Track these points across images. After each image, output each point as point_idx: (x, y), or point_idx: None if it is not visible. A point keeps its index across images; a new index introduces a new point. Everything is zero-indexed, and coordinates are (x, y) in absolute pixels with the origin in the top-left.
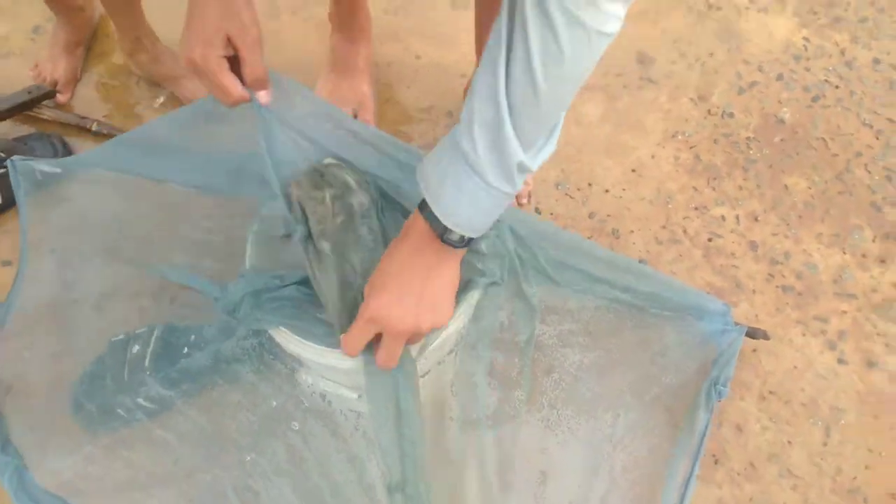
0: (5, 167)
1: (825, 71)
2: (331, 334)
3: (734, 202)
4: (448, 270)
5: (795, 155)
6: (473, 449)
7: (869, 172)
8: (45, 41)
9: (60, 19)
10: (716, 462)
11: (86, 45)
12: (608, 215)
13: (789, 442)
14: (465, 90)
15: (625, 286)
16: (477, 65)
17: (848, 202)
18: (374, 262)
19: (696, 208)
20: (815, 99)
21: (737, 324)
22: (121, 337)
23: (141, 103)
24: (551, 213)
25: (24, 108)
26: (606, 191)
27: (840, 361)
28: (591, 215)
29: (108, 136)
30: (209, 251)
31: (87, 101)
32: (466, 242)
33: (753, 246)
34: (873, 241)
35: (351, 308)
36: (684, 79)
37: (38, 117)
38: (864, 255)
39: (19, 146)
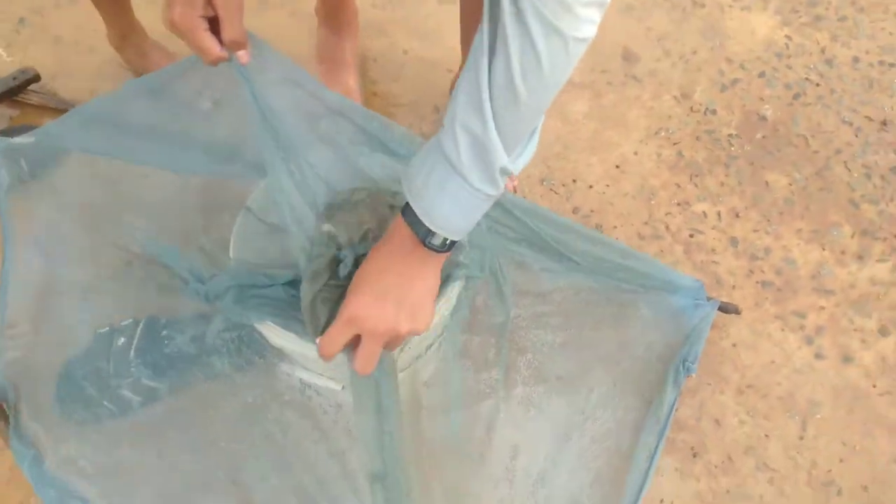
0: None
1: (806, 69)
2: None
3: (716, 198)
4: (430, 275)
5: (776, 152)
6: (448, 429)
7: (848, 170)
8: (30, 33)
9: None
10: (694, 455)
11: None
12: (592, 211)
13: (766, 435)
14: (452, 85)
15: (598, 258)
16: (463, 60)
17: (827, 199)
18: None
19: (678, 204)
20: (796, 96)
21: (709, 298)
22: (106, 329)
23: None
24: None
25: (9, 94)
26: (590, 187)
27: (817, 356)
28: (574, 210)
29: None
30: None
31: (79, 92)
32: (448, 247)
33: (734, 242)
34: (852, 237)
35: None
36: (668, 76)
37: (25, 102)
38: (842, 252)
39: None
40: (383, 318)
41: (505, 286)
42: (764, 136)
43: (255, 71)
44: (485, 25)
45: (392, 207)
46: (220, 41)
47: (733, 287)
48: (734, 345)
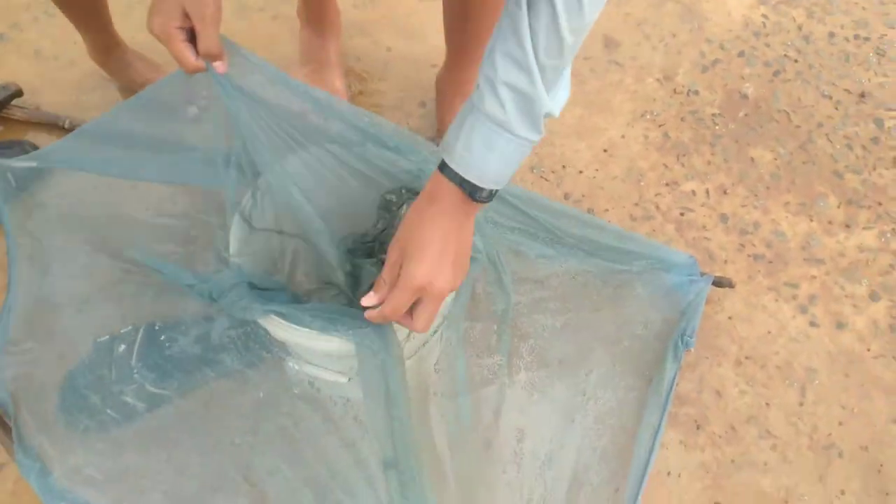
0: None
1: (784, 46)
2: (318, 325)
3: (703, 177)
4: (470, 226)
5: (759, 128)
6: (455, 414)
7: (830, 142)
8: (9, 48)
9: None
10: (697, 427)
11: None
12: (583, 195)
13: (767, 404)
14: (437, 80)
15: (593, 241)
16: (447, 56)
17: (812, 171)
18: None
19: (667, 184)
20: (775, 73)
21: (703, 273)
22: (105, 338)
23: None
24: None
25: None
26: (580, 172)
27: (811, 324)
28: (566, 196)
29: None
30: (176, 236)
31: (63, 105)
32: (493, 195)
33: (724, 218)
34: (838, 207)
35: None
36: (649, 60)
37: (10, 118)
38: (829, 222)
39: None
40: (446, 281)
41: (504, 274)
42: (746, 114)
43: (237, 76)
44: None
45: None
46: (198, 52)
47: (725, 262)
48: (730, 318)
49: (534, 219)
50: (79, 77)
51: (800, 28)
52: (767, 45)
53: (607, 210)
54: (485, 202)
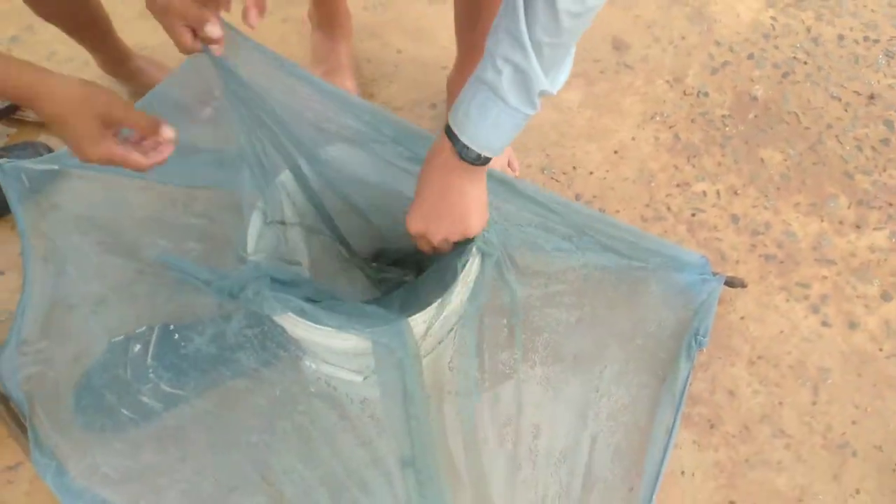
0: None
1: (793, 48)
2: (336, 323)
3: (714, 178)
4: (470, 185)
5: (769, 129)
6: (471, 412)
7: (840, 143)
8: (22, 51)
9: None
10: (711, 427)
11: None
12: (594, 196)
13: (780, 403)
14: (448, 82)
15: (609, 234)
16: (458, 57)
17: (822, 172)
18: None
19: (677, 185)
20: (785, 75)
21: (715, 273)
22: (121, 338)
23: None
24: None
25: (7, 112)
26: (591, 173)
27: (824, 324)
28: (577, 197)
29: None
30: (192, 234)
31: None
32: (484, 161)
33: (735, 218)
34: (848, 207)
35: None
36: (659, 62)
37: (23, 120)
38: (840, 222)
39: (4, 155)
40: (440, 228)
41: (507, 270)
42: (756, 115)
43: (231, 61)
44: None
45: None
46: (196, 34)
47: (737, 262)
48: (742, 318)
49: (553, 210)
50: (92, 79)
51: (809, 30)
52: (776, 48)
53: (618, 211)
54: (474, 164)
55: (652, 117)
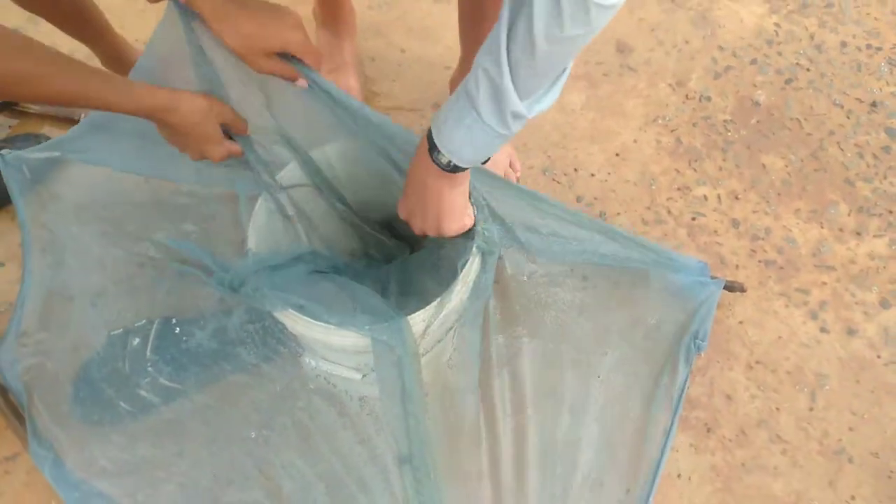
0: None
1: (796, 54)
2: (335, 320)
3: (715, 182)
4: (447, 191)
5: (771, 135)
6: (469, 408)
7: (842, 150)
8: None
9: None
10: (708, 430)
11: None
12: (595, 198)
13: (777, 408)
14: (451, 82)
15: (602, 250)
16: (461, 57)
17: (823, 179)
18: None
19: (678, 189)
20: (787, 81)
21: (714, 277)
22: (119, 331)
23: None
24: None
25: (9, 103)
26: (592, 175)
27: (822, 330)
28: (578, 199)
29: None
30: (188, 216)
31: None
32: (453, 168)
33: (735, 223)
34: (849, 214)
35: None
36: (662, 65)
37: (25, 111)
38: (840, 229)
39: (6, 147)
40: (416, 223)
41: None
42: (758, 121)
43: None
44: None
45: None
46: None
47: (737, 267)
48: (741, 322)
49: (553, 215)
50: None
51: (812, 37)
52: (780, 54)
53: (619, 214)
54: (443, 169)
55: (654, 120)
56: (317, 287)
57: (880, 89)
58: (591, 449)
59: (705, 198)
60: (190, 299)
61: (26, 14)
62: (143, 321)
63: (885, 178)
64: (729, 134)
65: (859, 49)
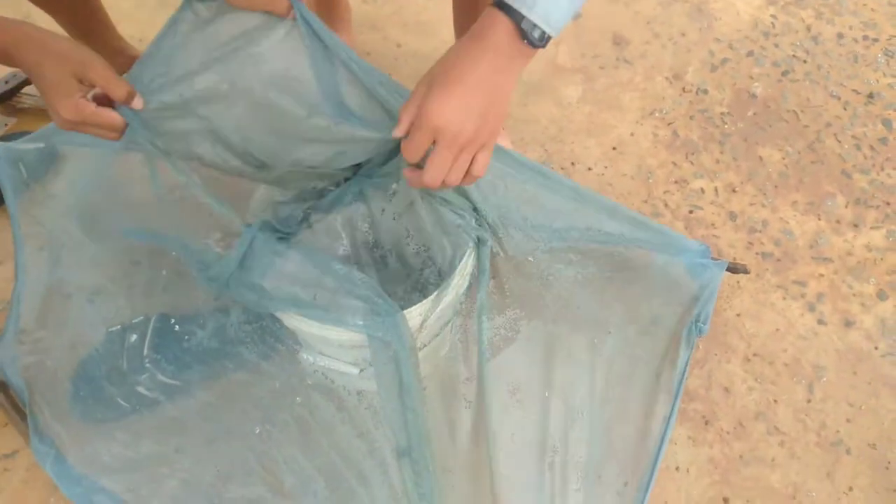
0: None
1: (793, 46)
2: (332, 318)
3: (712, 175)
4: (513, 77)
5: (768, 127)
6: (469, 402)
7: (839, 142)
8: None
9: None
10: (706, 423)
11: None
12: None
13: (775, 400)
14: None
15: (607, 229)
16: None
17: (820, 171)
18: None
19: (675, 182)
20: (784, 73)
21: (715, 259)
22: (117, 328)
23: None
24: None
25: (3, 98)
26: (589, 169)
27: (819, 322)
28: None
29: None
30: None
31: None
32: (545, 41)
33: (732, 216)
34: (846, 206)
35: None
36: (659, 58)
37: (20, 107)
38: (837, 221)
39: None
40: (464, 128)
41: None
42: (755, 113)
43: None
44: None
45: None
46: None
47: (734, 259)
48: (738, 315)
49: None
50: None
51: (808, 28)
52: (776, 46)
53: None
54: (537, 47)
55: (651, 113)
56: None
57: (877, 80)
58: (588, 441)
59: (702, 191)
60: (186, 296)
61: (23, 10)
62: (141, 318)
63: (882, 169)
64: (726, 126)
65: (856, 40)
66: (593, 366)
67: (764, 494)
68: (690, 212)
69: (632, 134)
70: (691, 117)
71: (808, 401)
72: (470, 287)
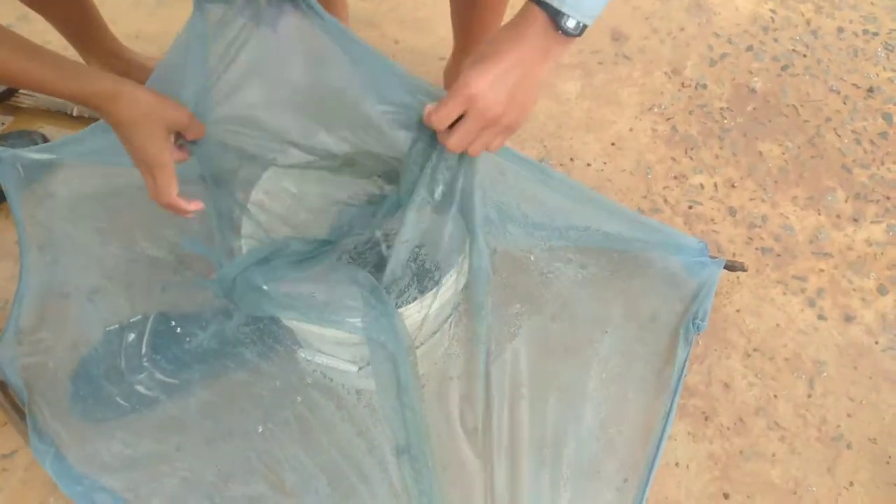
0: None
1: (792, 41)
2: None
3: (711, 170)
4: (548, 66)
5: (768, 122)
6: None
7: (839, 136)
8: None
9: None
10: (706, 419)
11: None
12: (591, 188)
13: (775, 396)
14: (445, 72)
15: (606, 228)
16: (455, 47)
17: (820, 165)
18: None
19: (675, 177)
20: (784, 68)
21: (713, 257)
22: (115, 326)
23: None
24: None
25: (1, 98)
26: (588, 165)
27: (820, 317)
28: None
29: (91, 119)
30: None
31: None
32: (580, 31)
33: (732, 211)
34: (846, 201)
35: None
36: (657, 53)
37: (18, 106)
38: (837, 216)
39: (1, 144)
40: (496, 103)
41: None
42: (755, 108)
43: None
44: None
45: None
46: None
47: (734, 254)
48: (738, 310)
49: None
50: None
51: (808, 23)
52: (776, 40)
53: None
54: (571, 35)
55: (650, 109)
56: (304, 271)
57: (877, 74)
58: (588, 437)
59: (702, 186)
60: (185, 295)
61: (18, 12)
62: (139, 316)
63: (882, 163)
64: (725, 121)
65: (856, 34)
66: (593, 363)
67: (764, 490)
68: (690, 207)
69: (631, 129)
70: (690, 112)
71: (809, 396)
72: (468, 284)
